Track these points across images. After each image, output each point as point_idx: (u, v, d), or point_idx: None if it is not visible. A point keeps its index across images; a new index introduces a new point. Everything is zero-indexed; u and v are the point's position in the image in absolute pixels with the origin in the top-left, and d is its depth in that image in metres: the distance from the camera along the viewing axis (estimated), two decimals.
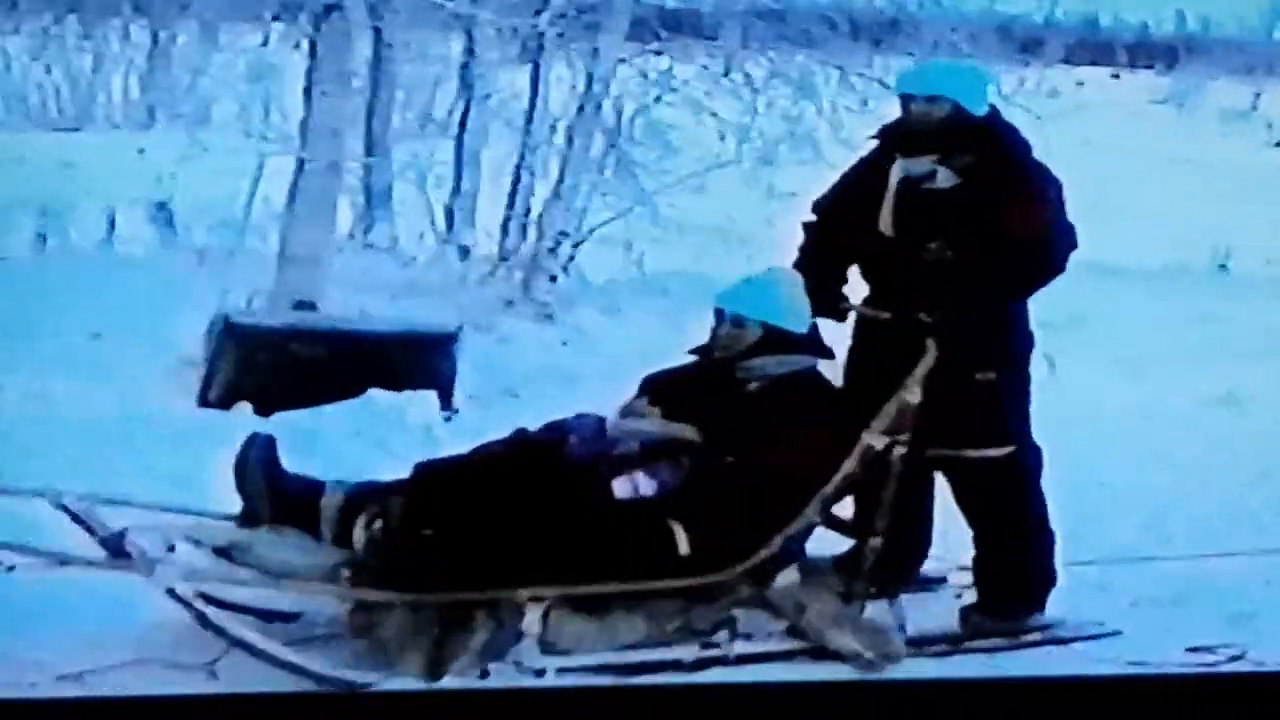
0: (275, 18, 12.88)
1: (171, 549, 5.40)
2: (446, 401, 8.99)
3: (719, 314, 6.08)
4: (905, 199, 6.21)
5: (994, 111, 6.33)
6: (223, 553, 5.56)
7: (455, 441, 6.36)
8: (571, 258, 11.91)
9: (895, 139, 6.33)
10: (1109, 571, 6.95)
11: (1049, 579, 6.39)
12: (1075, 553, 6.63)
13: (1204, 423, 9.64)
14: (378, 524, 5.58)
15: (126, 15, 22.04)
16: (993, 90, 6.59)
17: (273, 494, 5.75)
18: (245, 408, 8.75)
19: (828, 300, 6.26)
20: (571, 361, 10.22)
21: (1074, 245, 6.20)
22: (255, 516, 5.74)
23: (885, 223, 6.25)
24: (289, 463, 5.98)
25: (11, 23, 22.29)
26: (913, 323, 6.06)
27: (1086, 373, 9.87)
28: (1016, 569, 6.35)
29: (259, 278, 10.08)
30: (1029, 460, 6.33)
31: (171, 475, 7.02)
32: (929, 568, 6.72)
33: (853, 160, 6.67)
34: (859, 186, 6.42)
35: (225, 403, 8.84)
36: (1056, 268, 6.16)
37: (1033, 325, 6.37)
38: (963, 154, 6.14)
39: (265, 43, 18.26)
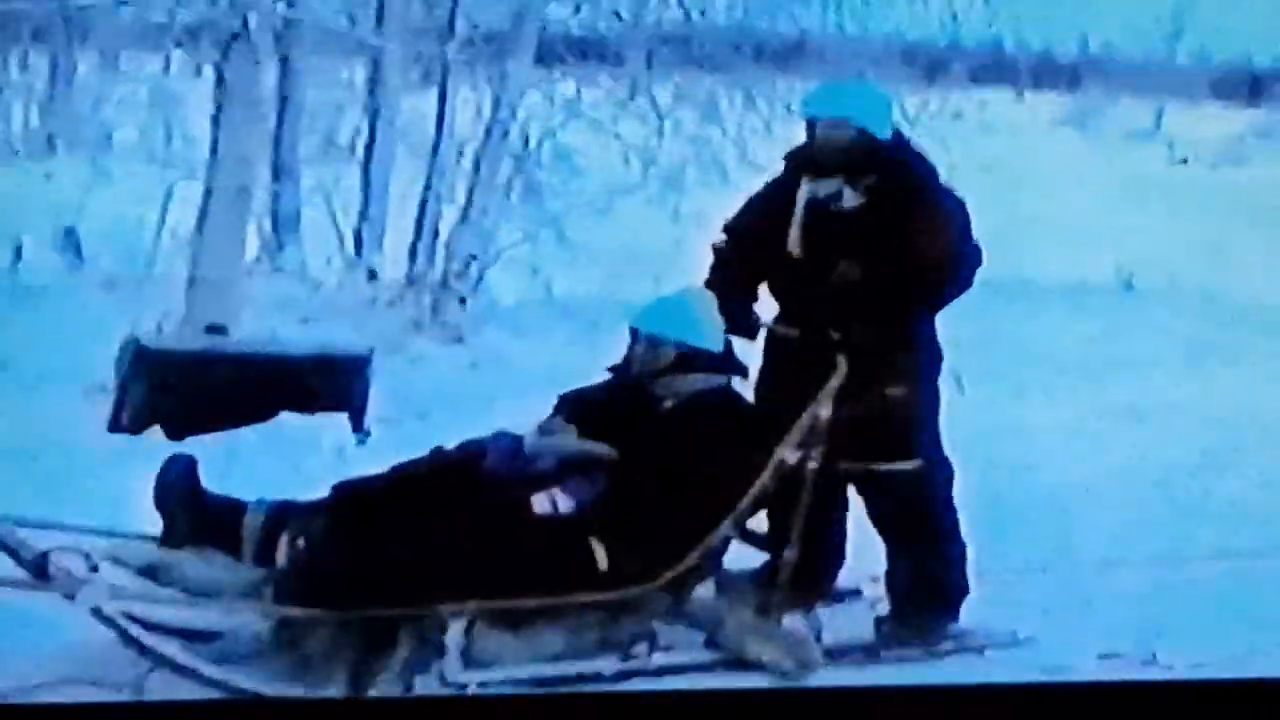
0: (178, 44, 12.79)
1: (95, 569, 5.39)
2: (359, 423, 9.00)
3: (634, 334, 6.17)
4: (812, 220, 6.29)
5: (897, 133, 6.43)
6: (146, 573, 5.58)
7: (368, 463, 6.34)
8: (479, 280, 11.92)
9: (801, 161, 6.41)
10: (1022, 581, 7.03)
11: (961, 589, 6.49)
12: (987, 563, 6.71)
13: (1110, 435, 9.76)
14: (300, 542, 5.61)
15: (25, 42, 21.85)
16: (895, 112, 6.69)
17: (194, 514, 5.77)
18: (157, 432, 8.71)
19: (739, 319, 6.33)
20: (482, 383, 10.24)
21: (979, 263, 6.32)
22: (177, 537, 5.76)
23: (794, 243, 6.33)
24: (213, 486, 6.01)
25: None
26: (822, 340, 6.16)
27: (996, 388, 9.98)
28: (928, 579, 6.43)
29: (169, 303, 10.06)
30: (939, 473, 6.43)
31: (84, 500, 6.98)
32: (843, 580, 6.79)
33: (760, 183, 6.74)
34: (767, 208, 6.50)
35: (137, 427, 8.79)
36: (962, 284, 6.28)
37: (941, 343, 6.47)
38: (868, 174, 6.23)
39: (167, 69, 18.15)
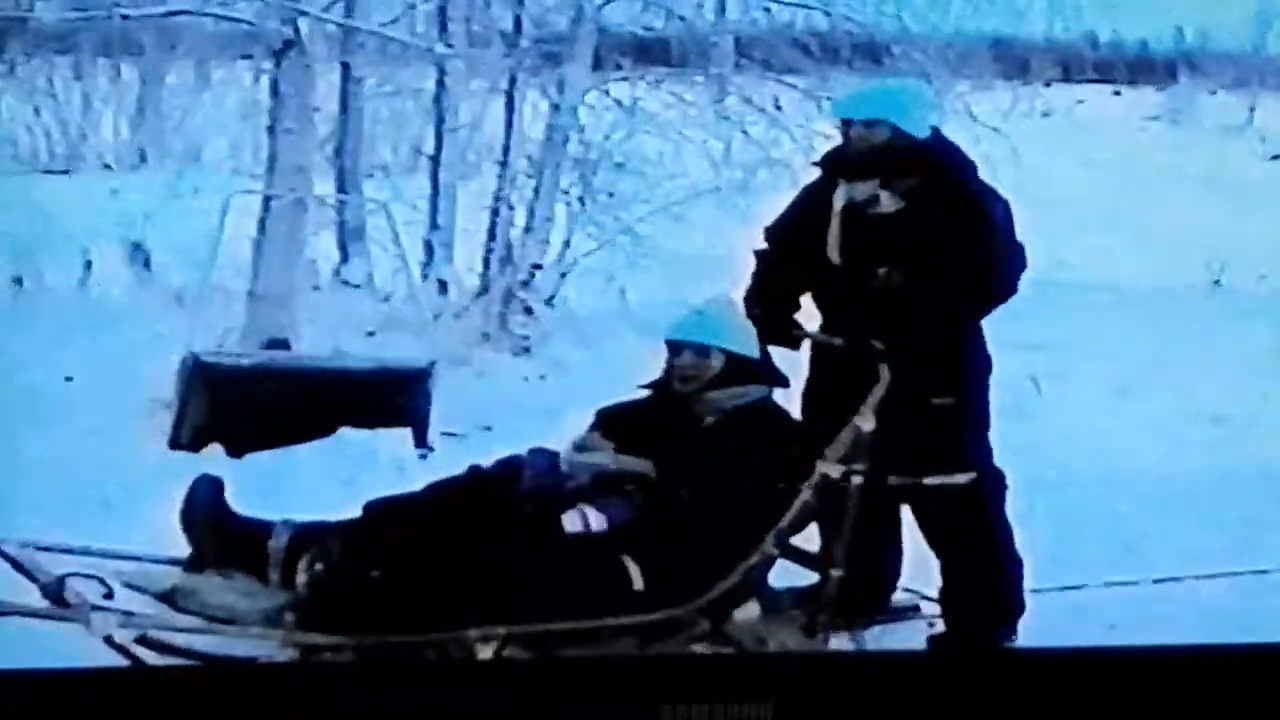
0: (245, 56, 12.77)
1: (110, 595, 5.27)
2: (421, 439, 8.87)
3: (672, 347, 5.97)
4: (850, 225, 6.08)
5: (936, 132, 6.20)
6: (165, 598, 5.44)
7: (428, 480, 6.21)
8: (555, 291, 11.83)
9: (836, 165, 6.20)
10: (1090, 596, 6.79)
11: (1018, 607, 6.24)
12: (1056, 574, 6.52)
13: (1196, 442, 9.51)
14: (319, 565, 5.45)
15: (116, 56, 21.94)
16: (934, 109, 6.46)
17: (219, 536, 5.64)
18: (217, 449, 8.62)
19: (781, 328, 6.15)
20: (550, 395, 10.09)
21: (1024, 265, 6.06)
22: (202, 560, 5.63)
23: (832, 250, 6.12)
24: (261, 505, 5.88)
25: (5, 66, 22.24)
26: (865, 350, 5.95)
27: (1080, 393, 9.78)
28: (984, 597, 6.20)
29: (234, 317, 10.00)
30: (991, 486, 6.18)
31: (139, 520, 6.89)
32: (900, 597, 6.58)
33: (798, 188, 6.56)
34: (804, 214, 6.28)
35: (196, 444, 8.72)
36: (1007, 289, 6.02)
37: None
38: (905, 177, 5.99)
39: (257, 80, 18.18)
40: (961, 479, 6.07)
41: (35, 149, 20.85)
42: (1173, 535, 7.82)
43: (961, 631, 6.20)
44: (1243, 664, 4.88)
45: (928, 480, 6.06)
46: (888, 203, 6.01)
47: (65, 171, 20.34)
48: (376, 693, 4.44)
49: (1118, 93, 35.19)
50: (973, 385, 6.13)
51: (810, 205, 6.26)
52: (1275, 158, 25.74)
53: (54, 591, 5.26)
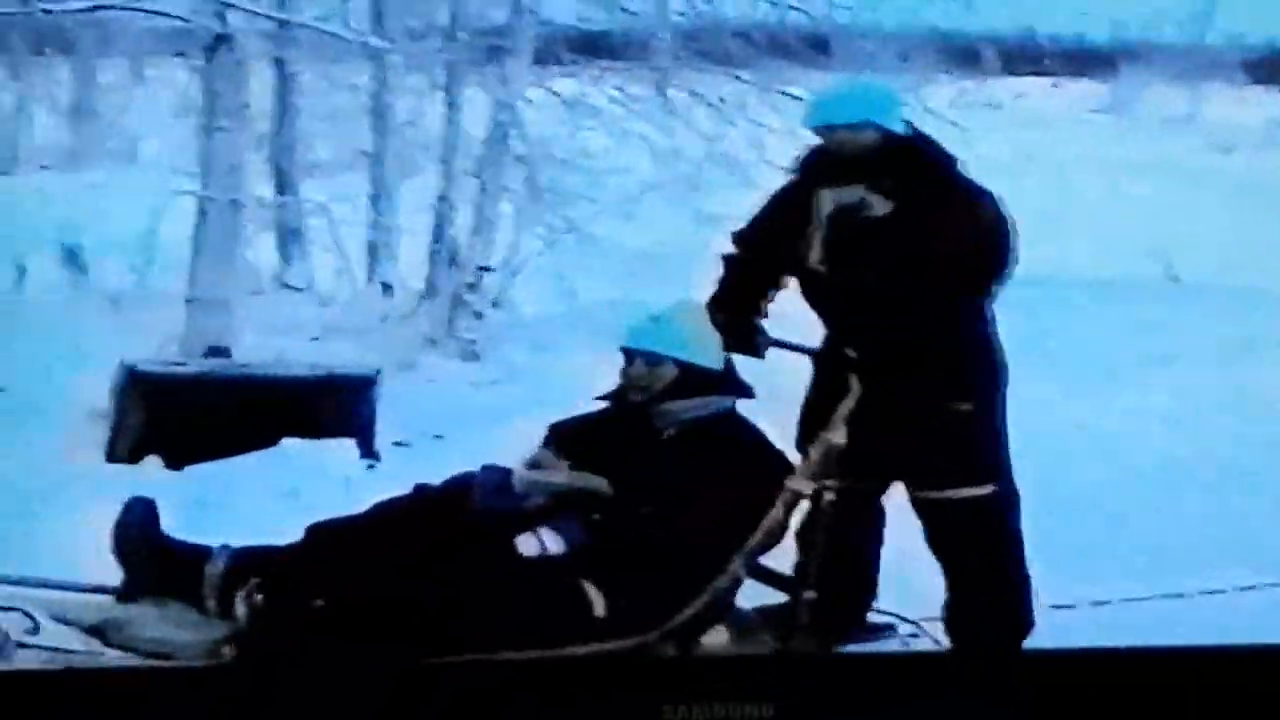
0: (179, 53, 12.52)
1: (37, 629, 5.00)
2: (368, 448, 8.65)
3: (627, 355, 5.67)
4: (837, 232, 5.82)
5: (910, 125, 5.95)
6: (96, 631, 5.15)
7: (377, 491, 5.94)
8: (502, 294, 11.64)
9: (816, 170, 5.93)
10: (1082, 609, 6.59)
11: (1028, 623, 6.01)
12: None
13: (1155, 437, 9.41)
14: (258, 596, 5.16)
15: (50, 54, 21.71)
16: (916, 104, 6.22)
17: (154, 562, 5.35)
18: (155, 461, 8.38)
19: (747, 335, 5.89)
20: (501, 401, 9.85)
21: (1015, 239, 5.83)
22: (136, 587, 5.35)
23: (814, 257, 5.87)
24: (199, 521, 5.64)
25: None
26: (837, 359, 5.74)
27: (1036, 389, 9.60)
28: (994, 614, 5.96)
29: (173, 323, 9.75)
30: (1010, 498, 5.94)
31: (73, 541, 6.61)
32: (874, 617, 6.32)
33: (772, 189, 6.29)
34: (781, 219, 6.01)
35: (134, 457, 8.52)
36: (1009, 263, 5.79)
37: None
38: (891, 178, 5.73)
39: (193, 77, 17.97)
40: (983, 491, 5.84)
41: None
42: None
43: (966, 645, 5.96)
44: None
45: (950, 493, 5.82)
46: (878, 206, 5.75)
47: (3, 173, 20.18)
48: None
49: (1055, 85, 35.48)
50: (990, 391, 5.89)
51: (787, 210, 5.99)
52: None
53: None
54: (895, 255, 5.66)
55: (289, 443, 8.30)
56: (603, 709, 3.90)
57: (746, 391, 5.72)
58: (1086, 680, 4.66)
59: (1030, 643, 5.97)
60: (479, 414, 9.51)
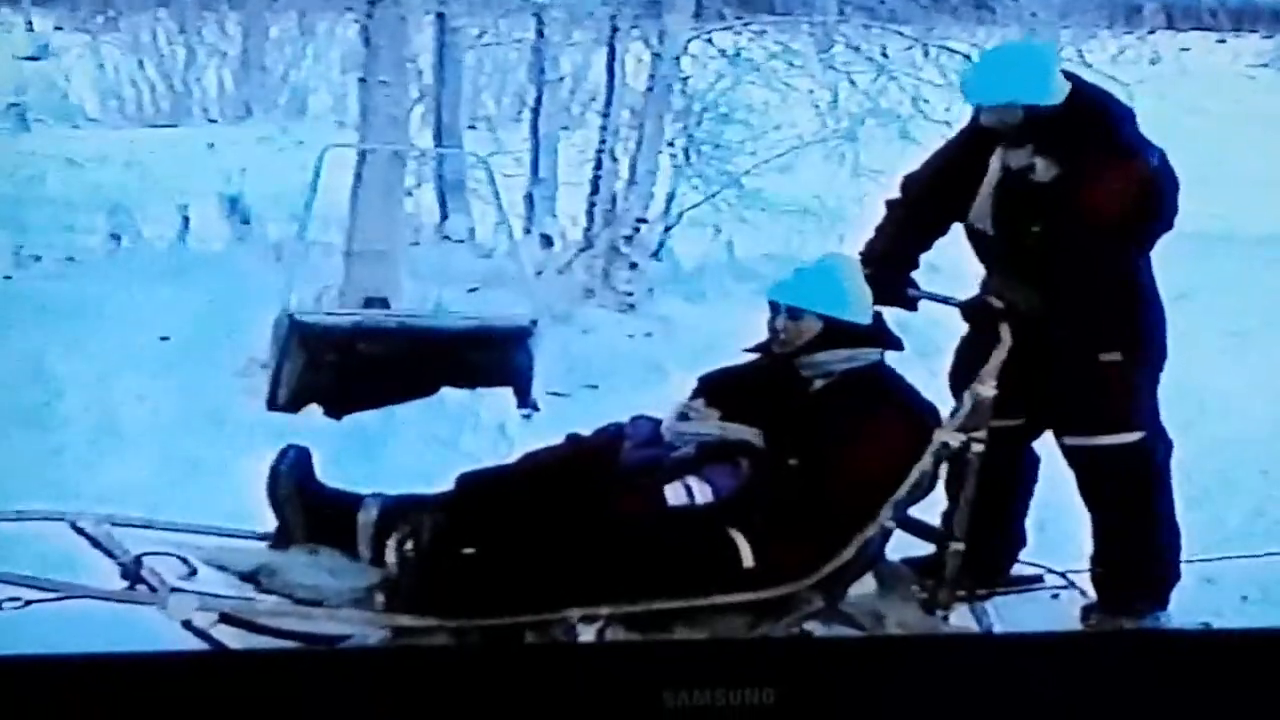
0: (347, 8, 12.58)
1: (193, 574, 5.07)
2: (524, 398, 8.65)
3: (774, 307, 5.62)
4: (1005, 191, 5.83)
5: (1077, 89, 5.87)
6: (249, 578, 5.21)
7: (531, 440, 5.97)
8: (662, 244, 11.62)
9: (988, 131, 5.91)
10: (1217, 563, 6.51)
11: (1174, 575, 5.99)
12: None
13: None
14: (409, 544, 5.19)
15: (221, 11, 21.93)
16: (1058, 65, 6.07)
17: (306, 510, 5.41)
18: (315, 410, 8.46)
19: (897, 286, 5.88)
20: (655, 352, 9.85)
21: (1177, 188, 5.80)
22: (288, 535, 5.41)
23: (980, 214, 5.88)
24: (356, 469, 5.69)
25: (108, 20, 22.29)
26: (986, 310, 5.71)
27: (1192, 348, 9.45)
28: (1142, 564, 5.94)
29: (333, 274, 9.84)
30: (1160, 446, 5.93)
31: (234, 487, 6.70)
32: (1021, 567, 6.30)
33: (945, 139, 6.27)
34: (953, 172, 6.02)
35: (294, 405, 8.60)
36: (1161, 220, 5.79)
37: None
38: (1056, 140, 5.71)
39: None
40: (1131, 438, 5.82)
41: (140, 103, 20.90)
42: None
43: (1116, 599, 5.95)
44: None
45: (1098, 440, 5.81)
46: (1043, 170, 5.74)
47: (172, 125, 20.38)
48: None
49: (1222, 40, 34.75)
50: (1143, 341, 5.88)
51: (962, 163, 5.99)
52: None
53: (132, 571, 5.06)
54: (1057, 218, 5.66)
55: (447, 392, 8.32)
56: (603, 695, 3.87)
57: (895, 343, 5.67)
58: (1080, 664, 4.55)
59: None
60: (634, 365, 9.54)
